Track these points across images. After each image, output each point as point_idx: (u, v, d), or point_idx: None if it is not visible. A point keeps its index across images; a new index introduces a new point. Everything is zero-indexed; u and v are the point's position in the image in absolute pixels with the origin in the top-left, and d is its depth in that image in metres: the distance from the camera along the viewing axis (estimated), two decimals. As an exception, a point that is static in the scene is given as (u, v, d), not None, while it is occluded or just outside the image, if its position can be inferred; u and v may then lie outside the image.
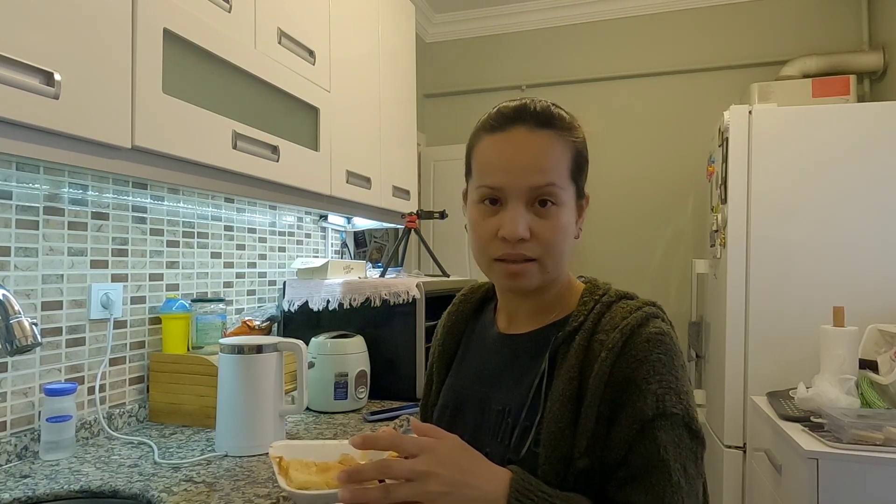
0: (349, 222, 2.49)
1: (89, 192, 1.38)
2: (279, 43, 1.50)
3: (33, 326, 0.99)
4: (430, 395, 0.89)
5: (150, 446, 1.28)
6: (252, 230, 1.95)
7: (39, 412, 1.25)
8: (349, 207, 1.95)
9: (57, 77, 0.92)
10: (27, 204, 1.24)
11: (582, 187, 0.76)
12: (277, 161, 1.47)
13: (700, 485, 0.67)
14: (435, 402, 0.87)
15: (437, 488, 0.58)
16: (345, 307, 1.76)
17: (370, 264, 2.30)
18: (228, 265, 1.84)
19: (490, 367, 0.80)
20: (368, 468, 0.59)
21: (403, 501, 0.57)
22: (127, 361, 1.47)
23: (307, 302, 1.80)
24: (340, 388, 1.57)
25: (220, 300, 1.63)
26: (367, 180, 1.97)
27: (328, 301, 1.77)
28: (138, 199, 1.51)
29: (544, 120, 0.72)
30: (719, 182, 2.39)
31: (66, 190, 1.32)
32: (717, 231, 2.41)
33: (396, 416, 1.52)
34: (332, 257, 2.44)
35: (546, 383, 0.71)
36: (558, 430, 0.67)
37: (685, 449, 0.65)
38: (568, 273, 0.79)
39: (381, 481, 0.59)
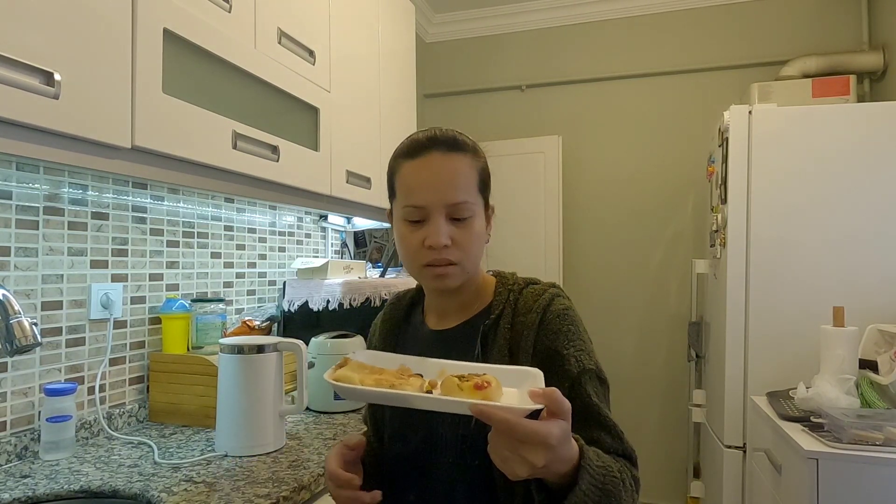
0: (349, 222, 2.49)
1: (89, 192, 1.38)
2: (279, 43, 1.50)
3: (33, 326, 0.99)
4: None
5: (150, 446, 1.28)
6: (252, 230, 1.95)
7: (39, 412, 1.25)
8: (349, 207, 1.95)
9: (57, 77, 0.92)
10: (27, 204, 1.24)
11: (488, 199, 0.90)
12: (277, 161, 1.47)
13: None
14: None
15: (549, 450, 0.63)
16: (345, 307, 1.76)
17: (370, 264, 2.30)
18: (228, 265, 1.84)
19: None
20: (559, 399, 0.65)
21: (527, 439, 0.62)
22: (127, 361, 1.47)
23: (307, 302, 1.80)
24: (340, 388, 1.57)
25: (220, 300, 1.63)
26: (367, 180, 1.97)
27: (328, 301, 1.77)
28: (138, 199, 1.51)
29: (453, 145, 0.86)
30: (719, 182, 2.39)
31: (66, 190, 1.32)
32: (717, 231, 2.40)
33: (396, 416, 1.52)
34: (332, 257, 2.44)
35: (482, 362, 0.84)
36: None
37: (601, 393, 0.83)
38: (481, 270, 0.93)
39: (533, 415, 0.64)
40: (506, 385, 0.71)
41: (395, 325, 0.98)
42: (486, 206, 0.90)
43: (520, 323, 0.85)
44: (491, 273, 0.95)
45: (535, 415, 0.64)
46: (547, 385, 0.72)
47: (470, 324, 0.89)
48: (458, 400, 0.65)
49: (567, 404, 0.65)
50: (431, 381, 0.73)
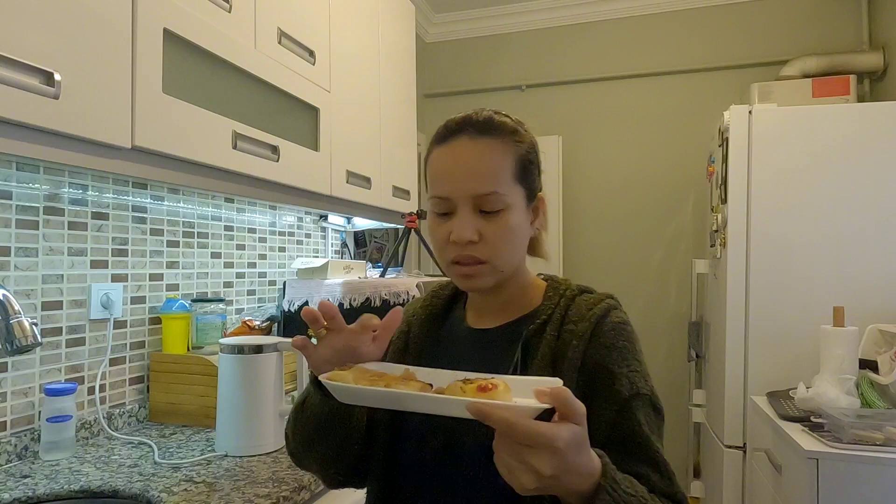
0: (349, 222, 2.49)
1: (89, 192, 1.38)
2: (279, 43, 1.50)
3: (33, 326, 0.99)
4: None
5: (150, 446, 1.28)
6: (252, 230, 1.95)
7: (39, 412, 1.25)
8: (349, 207, 1.95)
9: (57, 77, 0.92)
10: (27, 204, 1.24)
11: (533, 189, 0.80)
12: (277, 161, 1.47)
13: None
14: None
15: (556, 456, 0.55)
16: (345, 307, 1.76)
17: (370, 264, 2.30)
18: (228, 265, 1.84)
19: (463, 359, 0.82)
20: (569, 400, 0.56)
21: (533, 444, 0.54)
22: (127, 361, 1.47)
23: (307, 302, 1.80)
24: (340, 388, 1.57)
25: (220, 300, 1.63)
26: (367, 180, 1.97)
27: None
28: (138, 199, 1.51)
29: (485, 128, 0.77)
30: (719, 182, 2.39)
31: (66, 190, 1.32)
32: (717, 231, 2.40)
33: (396, 416, 1.52)
34: (332, 257, 2.44)
35: (520, 372, 0.74)
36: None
37: (654, 423, 0.74)
38: (528, 271, 0.85)
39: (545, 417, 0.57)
40: (519, 395, 0.62)
41: (436, 317, 0.90)
42: (531, 196, 0.80)
43: (568, 332, 0.75)
44: (542, 276, 0.87)
45: (545, 418, 0.56)
46: (593, 407, 0.66)
47: (512, 327, 0.80)
48: (454, 398, 0.59)
49: (580, 406, 0.56)
50: (438, 388, 0.65)
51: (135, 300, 1.50)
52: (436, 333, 0.88)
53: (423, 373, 0.72)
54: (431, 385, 0.67)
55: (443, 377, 0.69)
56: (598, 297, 0.79)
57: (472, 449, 0.73)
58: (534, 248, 0.86)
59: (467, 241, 0.74)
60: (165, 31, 1.14)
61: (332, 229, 2.46)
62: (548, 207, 0.85)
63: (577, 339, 0.74)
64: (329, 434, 0.79)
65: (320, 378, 0.67)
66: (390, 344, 0.87)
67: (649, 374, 0.76)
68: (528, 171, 0.79)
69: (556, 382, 0.63)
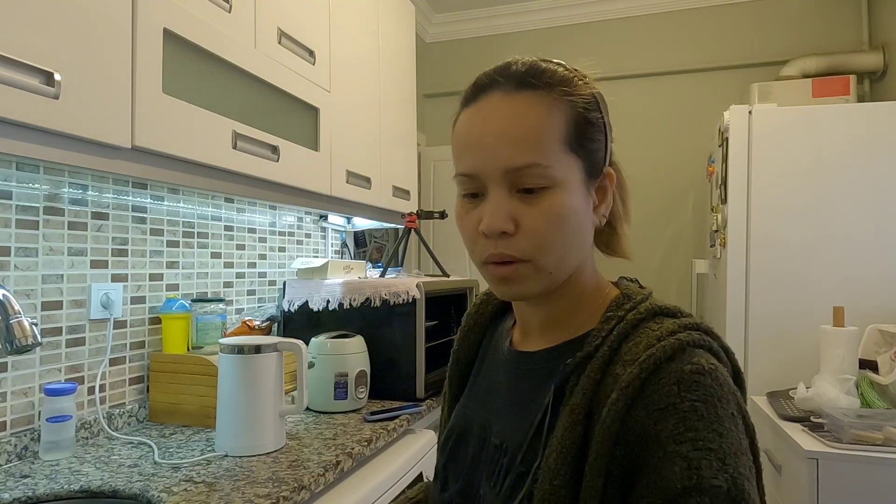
0: (349, 222, 2.49)
1: (89, 192, 1.38)
2: (279, 43, 1.50)
3: (33, 326, 0.99)
4: (445, 410, 0.76)
5: (150, 446, 1.28)
6: (252, 230, 1.95)
7: (39, 412, 1.25)
8: (349, 207, 1.95)
9: (57, 77, 0.92)
10: (27, 204, 1.24)
11: (596, 160, 0.59)
12: (277, 161, 1.47)
13: None
14: (448, 418, 0.74)
15: None
16: (345, 307, 1.76)
17: (370, 264, 2.30)
18: (228, 265, 1.84)
19: (497, 389, 0.66)
20: None
21: None
22: (127, 361, 1.47)
23: (307, 302, 1.80)
24: (340, 388, 1.57)
25: (220, 300, 1.63)
26: (367, 180, 1.97)
27: (328, 301, 1.77)
28: (138, 199, 1.51)
29: (524, 79, 0.57)
30: (719, 182, 2.39)
31: (66, 190, 1.32)
32: (717, 231, 2.40)
33: (396, 417, 1.52)
34: (332, 257, 2.44)
35: (549, 422, 0.56)
36: (553, 489, 0.51)
37: None
38: (596, 275, 0.64)
39: None
40: None
41: (478, 327, 0.75)
42: (594, 170, 0.59)
43: (613, 376, 0.53)
44: (620, 284, 0.65)
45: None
46: (630, 497, 0.48)
47: (553, 354, 0.61)
48: None
49: None
50: None
51: (135, 300, 1.50)
52: (483, 350, 0.73)
53: None
54: None
55: None
56: (671, 327, 0.54)
57: (487, 498, 0.60)
58: (609, 242, 0.67)
59: (500, 233, 0.55)
60: (165, 31, 1.14)
61: (332, 229, 2.46)
62: (628, 185, 0.64)
63: (618, 392, 0.51)
64: None
65: None
66: (450, 361, 0.76)
67: (738, 454, 0.48)
68: (585, 135, 0.58)
69: None
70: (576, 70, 0.61)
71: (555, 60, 0.61)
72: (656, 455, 0.48)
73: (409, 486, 1.38)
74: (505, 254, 0.56)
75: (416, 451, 1.49)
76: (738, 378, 0.56)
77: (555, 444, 0.53)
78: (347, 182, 1.85)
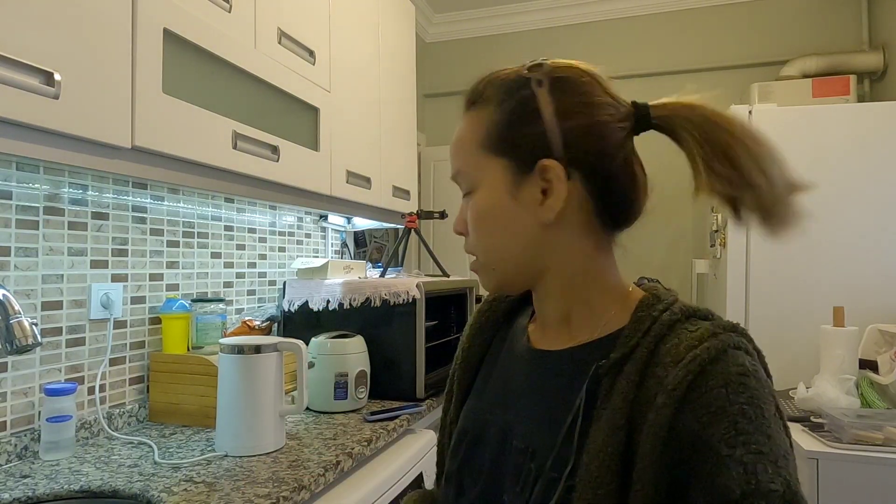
0: (349, 222, 2.49)
1: (89, 192, 1.38)
2: (279, 43, 1.50)
3: (33, 326, 0.99)
4: (450, 410, 0.74)
5: (150, 446, 1.28)
6: (252, 230, 1.95)
7: (39, 412, 1.25)
8: (349, 207, 1.95)
9: (57, 77, 0.92)
10: (27, 204, 1.24)
11: (523, 154, 0.58)
12: (277, 161, 1.47)
13: None
14: (455, 419, 0.72)
15: None
16: (345, 307, 1.76)
17: (370, 264, 2.30)
18: (228, 265, 1.84)
19: (515, 389, 0.65)
20: None
21: None
22: (127, 361, 1.47)
23: (307, 302, 1.80)
24: (340, 388, 1.57)
25: (220, 300, 1.63)
26: (367, 180, 1.97)
27: (328, 301, 1.77)
28: (138, 199, 1.51)
29: (468, 100, 0.63)
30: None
31: (66, 190, 1.32)
32: (717, 231, 2.40)
33: (396, 417, 1.52)
34: (332, 257, 2.44)
35: (582, 427, 0.54)
36: (597, 499, 0.50)
37: None
38: (610, 274, 0.63)
39: None
40: None
41: (490, 324, 0.74)
42: (522, 165, 0.58)
43: (655, 378, 0.52)
44: (643, 285, 0.64)
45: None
46: (687, 501, 0.48)
47: (579, 354, 0.59)
48: None
49: None
50: None
51: (135, 300, 1.50)
52: (496, 348, 0.72)
53: None
54: None
55: None
56: (710, 329, 0.53)
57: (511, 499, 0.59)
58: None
59: (458, 234, 0.64)
60: (165, 31, 1.14)
61: (332, 229, 2.46)
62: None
63: (665, 395, 0.50)
64: None
65: None
66: (454, 359, 0.76)
67: (787, 456, 0.48)
68: (508, 134, 0.58)
69: None
70: (535, 65, 0.61)
71: (509, 68, 0.63)
72: (710, 460, 0.48)
73: (410, 487, 1.38)
74: (467, 251, 0.64)
75: (416, 451, 1.49)
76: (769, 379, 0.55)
77: (595, 451, 0.52)
78: (347, 182, 1.85)
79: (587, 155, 0.58)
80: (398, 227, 2.46)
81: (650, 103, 0.61)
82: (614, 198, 0.60)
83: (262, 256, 2.00)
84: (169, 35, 1.15)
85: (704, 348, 0.51)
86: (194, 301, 1.59)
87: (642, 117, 0.61)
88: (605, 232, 0.62)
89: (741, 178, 0.55)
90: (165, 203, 1.59)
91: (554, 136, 0.57)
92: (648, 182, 0.65)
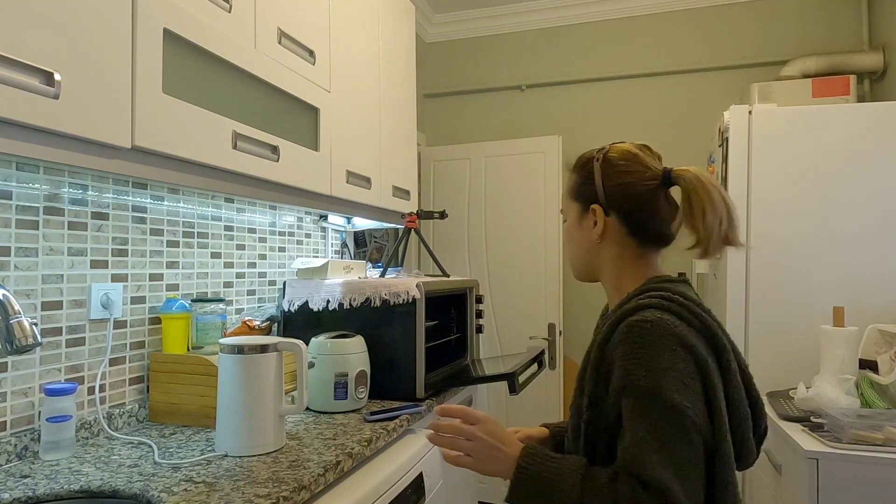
0: (349, 222, 2.49)
1: (89, 192, 1.38)
2: (279, 43, 1.50)
3: (33, 326, 0.99)
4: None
5: (150, 446, 1.28)
6: (252, 230, 1.95)
7: (39, 412, 1.25)
8: (349, 207, 1.95)
9: (57, 77, 0.92)
10: (27, 204, 1.24)
11: (583, 202, 0.98)
12: (277, 161, 1.47)
13: (684, 445, 0.77)
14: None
15: (480, 448, 0.88)
16: (345, 307, 1.76)
17: (370, 264, 2.30)
18: (228, 265, 1.84)
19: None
20: (456, 411, 0.92)
21: (460, 449, 0.89)
22: (127, 361, 1.47)
23: (307, 302, 1.80)
24: (340, 388, 1.57)
25: (220, 300, 1.63)
26: (367, 180, 1.97)
27: (328, 301, 1.77)
28: (138, 199, 1.51)
29: (570, 166, 1.03)
30: (719, 182, 2.39)
31: (66, 190, 1.32)
32: (717, 231, 2.40)
33: (396, 416, 1.52)
34: (332, 257, 2.44)
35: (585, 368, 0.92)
36: (573, 410, 0.92)
37: (655, 416, 0.77)
38: (628, 274, 0.96)
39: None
40: None
41: None
42: (584, 207, 0.98)
43: (607, 328, 0.87)
44: (655, 278, 0.94)
45: None
46: (597, 398, 0.85)
47: (608, 321, 0.93)
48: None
49: (478, 413, 0.89)
50: None
51: (135, 300, 1.50)
52: None
53: None
54: None
55: None
56: (641, 301, 0.86)
57: (573, 426, 0.91)
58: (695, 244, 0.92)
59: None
60: (165, 31, 1.14)
61: (332, 229, 2.46)
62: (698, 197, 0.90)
63: (599, 340, 0.87)
64: None
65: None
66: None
67: (667, 371, 0.78)
68: (580, 189, 0.99)
69: None
70: (591, 157, 0.98)
71: (589, 153, 1.00)
72: (612, 367, 0.84)
73: (410, 487, 1.38)
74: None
75: (416, 451, 1.49)
76: (713, 337, 0.84)
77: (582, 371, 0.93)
78: (347, 182, 1.85)
79: (619, 201, 0.94)
80: (398, 227, 2.46)
81: (673, 168, 0.92)
82: (642, 224, 0.94)
83: (262, 256, 2.00)
84: (169, 35, 1.15)
85: (626, 307, 0.86)
86: (194, 301, 1.59)
87: (666, 176, 0.92)
88: (642, 247, 0.95)
89: (702, 224, 0.90)
90: (165, 203, 1.59)
91: (599, 191, 0.95)
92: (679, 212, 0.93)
